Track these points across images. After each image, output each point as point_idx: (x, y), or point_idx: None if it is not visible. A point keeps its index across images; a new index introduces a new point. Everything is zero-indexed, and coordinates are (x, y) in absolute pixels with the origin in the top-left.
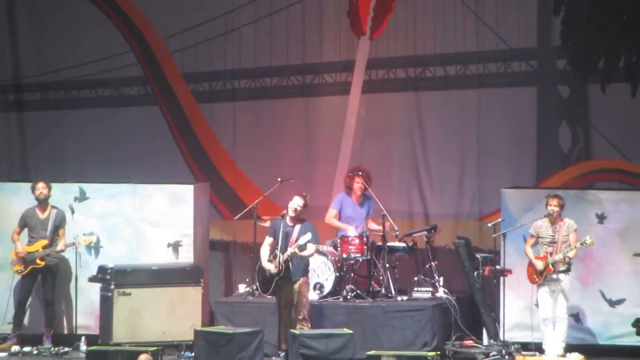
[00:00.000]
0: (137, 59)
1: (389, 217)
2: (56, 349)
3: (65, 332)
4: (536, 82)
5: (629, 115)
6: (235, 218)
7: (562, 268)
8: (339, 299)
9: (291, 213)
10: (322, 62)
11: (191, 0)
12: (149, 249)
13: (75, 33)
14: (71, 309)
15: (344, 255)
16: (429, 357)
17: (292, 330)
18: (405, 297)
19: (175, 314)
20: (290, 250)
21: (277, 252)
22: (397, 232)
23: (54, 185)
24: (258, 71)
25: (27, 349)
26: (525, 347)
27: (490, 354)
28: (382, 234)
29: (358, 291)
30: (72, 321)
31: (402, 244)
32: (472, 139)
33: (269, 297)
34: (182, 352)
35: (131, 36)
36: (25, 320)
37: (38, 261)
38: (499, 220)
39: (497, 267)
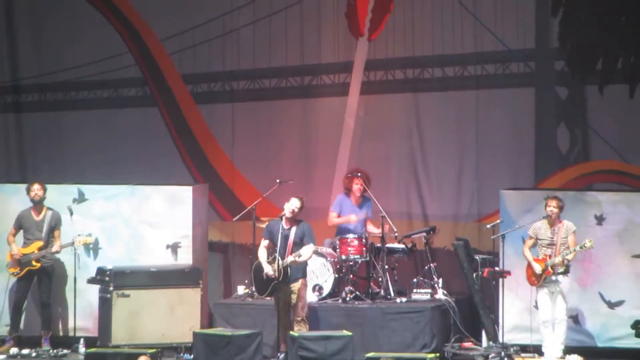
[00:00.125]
0: (135, 60)
1: (388, 219)
2: (55, 351)
3: (62, 334)
4: (534, 83)
5: (627, 117)
6: (234, 219)
7: (561, 270)
8: (338, 300)
9: (288, 214)
10: (320, 63)
11: (190, 1)
12: (148, 250)
13: (74, 34)
14: (67, 310)
15: (343, 257)
16: (428, 359)
17: (291, 332)
18: (404, 299)
19: (174, 316)
20: (289, 259)
21: (276, 255)
22: (396, 234)
23: (53, 187)
24: (256, 72)
25: (25, 351)
26: (524, 349)
27: (490, 356)
28: (381, 235)
29: (357, 293)
30: (69, 323)
31: (401, 246)
32: (471, 140)
33: (267, 298)
34: (181, 354)
35: (130, 37)
36: (21, 323)
37: (34, 263)
38: (498, 221)
39: (496, 268)
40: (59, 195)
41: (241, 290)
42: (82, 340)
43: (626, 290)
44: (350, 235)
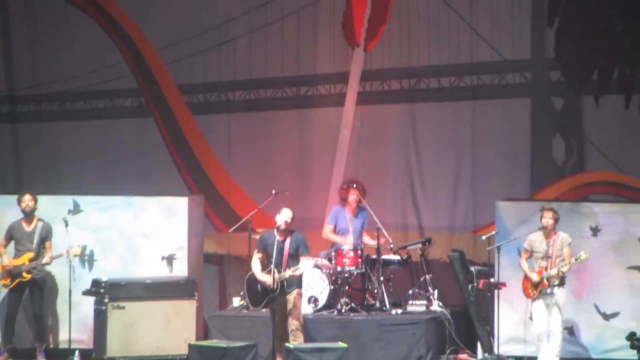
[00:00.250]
0: (131, 71)
1: (383, 230)
2: None
3: (53, 346)
4: (530, 94)
5: (622, 127)
6: (230, 230)
7: (556, 282)
8: (333, 312)
9: (283, 226)
10: (316, 73)
11: (186, 12)
12: (143, 262)
13: (69, 45)
14: (59, 323)
15: (339, 269)
16: None
17: (286, 344)
18: (399, 311)
19: (170, 328)
20: (288, 272)
21: (272, 267)
22: (392, 245)
23: (48, 198)
24: (252, 83)
25: None
26: None
27: None
28: (376, 247)
29: (352, 304)
30: (64, 335)
31: (397, 257)
32: (466, 150)
33: (263, 310)
34: None
35: (125, 48)
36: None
37: (24, 274)
38: (493, 232)
39: (492, 280)
40: (54, 207)
41: (236, 302)
42: (77, 352)
43: (621, 302)
44: (346, 247)
